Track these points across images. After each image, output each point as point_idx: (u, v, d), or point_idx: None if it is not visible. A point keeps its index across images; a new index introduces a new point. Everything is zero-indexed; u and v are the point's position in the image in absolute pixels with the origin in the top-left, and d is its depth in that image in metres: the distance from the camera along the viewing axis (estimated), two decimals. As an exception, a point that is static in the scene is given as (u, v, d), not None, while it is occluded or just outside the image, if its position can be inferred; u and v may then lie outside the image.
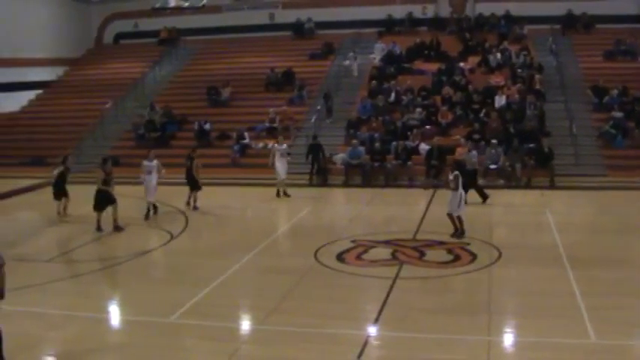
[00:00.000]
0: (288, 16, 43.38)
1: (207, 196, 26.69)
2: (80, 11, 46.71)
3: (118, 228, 21.68)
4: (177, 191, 26.09)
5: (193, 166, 25.09)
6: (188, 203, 25.38)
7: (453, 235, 19.59)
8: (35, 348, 13.00)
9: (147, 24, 45.73)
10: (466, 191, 23.91)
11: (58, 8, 44.44)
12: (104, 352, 12.87)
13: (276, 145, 27.86)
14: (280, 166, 26.93)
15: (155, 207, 23.94)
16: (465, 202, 19.98)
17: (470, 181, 24.81)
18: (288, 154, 27.67)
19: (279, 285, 15.95)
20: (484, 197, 24.95)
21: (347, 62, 37.43)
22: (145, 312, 14.61)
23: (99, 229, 21.52)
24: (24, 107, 41.50)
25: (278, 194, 27.01)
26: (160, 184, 25.05)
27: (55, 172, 24.53)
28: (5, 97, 39.37)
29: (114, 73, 42.99)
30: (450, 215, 19.78)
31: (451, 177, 19.88)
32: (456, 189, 19.63)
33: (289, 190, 27.09)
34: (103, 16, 48.01)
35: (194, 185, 25.22)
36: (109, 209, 21.75)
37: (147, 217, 23.57)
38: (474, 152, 26.28)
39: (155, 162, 23.87)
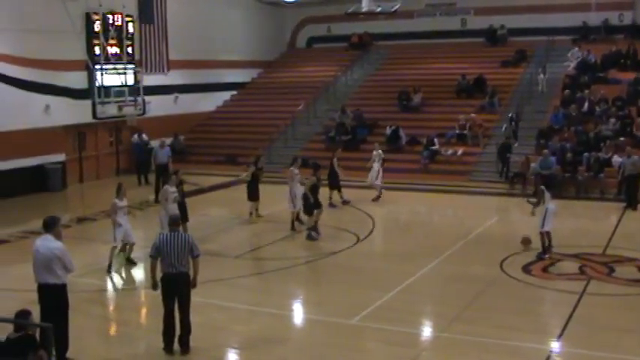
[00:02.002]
0: (481, 22, 42.87)
1: (395, 200, 27.12)
2: (275, 16, 48.07)
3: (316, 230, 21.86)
4: (365, 194, 26.44)
5: (334, 165, 25.83)
6: (331, 204, 25.88)
7: (539, 256, 18.93)
8: (221, 339, 13.66)
9: (339, 28, 46.45)
10: (628, 199, 24.69)
11: (255, 13, 45.92)
12: (286, 348, 13.37)
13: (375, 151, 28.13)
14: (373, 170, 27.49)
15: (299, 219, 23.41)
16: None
17: (630, 186, 25.31)
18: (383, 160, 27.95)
19: (463, 293, 15.99)
20: (634, 206, 25.23)
21: (540, 77, 36.48)
22: (328, 312, 15.02)
23: (311, 234, 21.61)
24: (219, 107, 43.18)
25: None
26: (346, 186, 25.70)
27: (245, 174, 25.23)
28: (203, 97, 41.23)
29: (306, 76, 43.95)
30: (541, 233, 19.06)
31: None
32: (538, 205, 19.28)
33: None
34: (296, 20, 49.24)
35: (334, 184, 25.77)
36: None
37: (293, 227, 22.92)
38: (636, 157, 26.05)
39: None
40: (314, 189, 21.79)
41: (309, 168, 23.37)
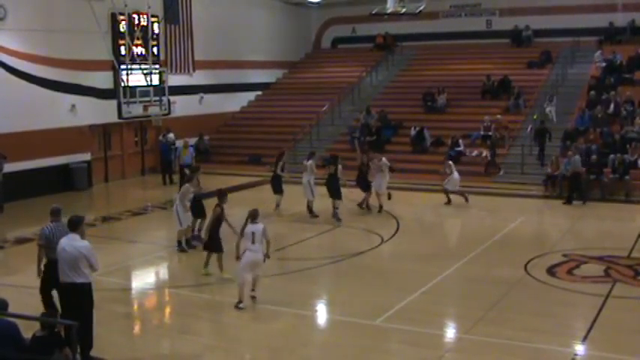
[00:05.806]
0: (506, 23, 42.71)
1: (419, 202, 26.98)
2: (300, 16, 48.13)
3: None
4: (395, 195, 26.36)
5: (367, 169, 25.63)
6: (362, 205, 25.64)
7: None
8: (245, 339, 13.71)
9: (364, 29, 46.44)
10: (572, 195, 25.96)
11: (280, 14, 46.04)
12: (308, 348, 13.41)
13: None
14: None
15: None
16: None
17: (573, 184, 26.81)
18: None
19: (486, 295, 15.93)
20: (583, 199, 26.73)
21: (548, 109, 35.81)
22: (351, 313, 15.01)
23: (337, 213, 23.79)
24: (243, 108, 43.30)
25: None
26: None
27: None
28: (228, 97, 41.39)
29: (331, 76, 44.00)
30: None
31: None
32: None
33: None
34: (321, 20, 49.31)
35: (366, 187, 25.51)
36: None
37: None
38: (577, 157, 27.27)
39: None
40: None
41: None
